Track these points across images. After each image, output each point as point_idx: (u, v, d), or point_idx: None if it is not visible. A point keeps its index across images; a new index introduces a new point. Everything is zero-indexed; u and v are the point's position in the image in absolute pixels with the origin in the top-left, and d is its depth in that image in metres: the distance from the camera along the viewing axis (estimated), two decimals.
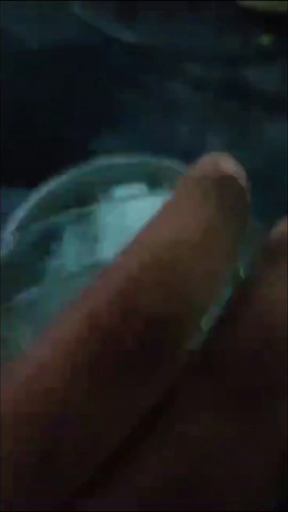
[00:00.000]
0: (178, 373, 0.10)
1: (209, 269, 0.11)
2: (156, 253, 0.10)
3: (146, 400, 0.10)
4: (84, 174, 0.28)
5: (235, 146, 0.39)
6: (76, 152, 0.38)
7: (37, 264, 0.18)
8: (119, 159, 0.28)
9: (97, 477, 0.10)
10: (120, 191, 0.29)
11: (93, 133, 0.40)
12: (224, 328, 0.11)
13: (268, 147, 0.39)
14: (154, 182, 0.30)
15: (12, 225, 0.26)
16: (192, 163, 0.39)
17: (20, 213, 0.27)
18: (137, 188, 0.30)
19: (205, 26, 0.41)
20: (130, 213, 0.19)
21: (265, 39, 0.40)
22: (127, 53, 0.40)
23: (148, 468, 0.10)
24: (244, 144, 0.39)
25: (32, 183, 0.19)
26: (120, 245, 0.13)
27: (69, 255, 0.19)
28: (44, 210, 0.28)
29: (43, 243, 0.17)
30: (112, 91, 0.39)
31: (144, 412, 0.10)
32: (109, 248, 0.18)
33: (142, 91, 0.39)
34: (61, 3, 0.39)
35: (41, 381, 0.09)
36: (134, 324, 0.09)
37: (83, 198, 0.30)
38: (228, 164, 0.13)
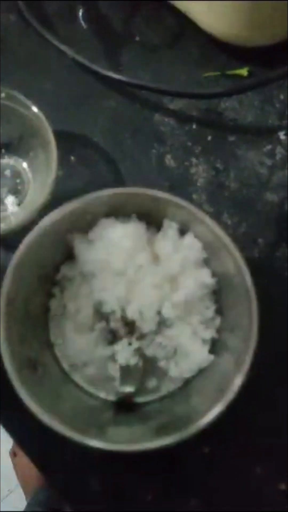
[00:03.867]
0: None
1: None
2: None
3: None
4: (80, 205, 0.32)
5: (215, 172, 0.43)
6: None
7: None
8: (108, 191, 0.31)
9: None
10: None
11: None
12: None
13: (244, 172, 0.43)
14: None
15: None
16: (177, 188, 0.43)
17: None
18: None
19: (185, 60, 0.45)
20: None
21: (242, 71, 0.44)
22: (116, 89, 0.43)
23: None
24: (223, 169, 0.43)
25: None
26: None
27: None
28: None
29: None
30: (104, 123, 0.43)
31: None
32: None
33: (130, 124, 0.43)
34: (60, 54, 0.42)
35: None
36: None
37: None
38: None
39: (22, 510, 0.78)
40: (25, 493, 0.87)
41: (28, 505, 0.78)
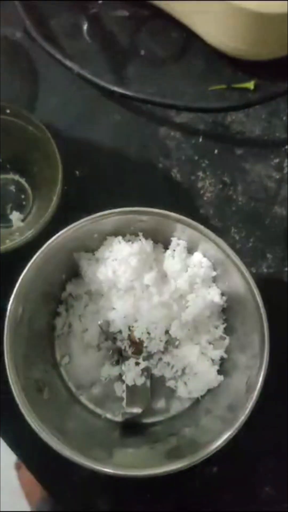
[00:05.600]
0: None
1: None
2: None
3: None
4: (88, 224, 0.31)
5: (222, 186, 0.42)
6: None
7: None
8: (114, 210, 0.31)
9: None
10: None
11: None
12: None
13: (252, 185, 0.42)
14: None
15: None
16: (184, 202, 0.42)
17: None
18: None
19: (190, 74, 0.44)
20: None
21: (249, 85, 0.44)
22: (121, 104, 0.43)
23: None
24: (231, 183, 0.42)
25: None
26: None
27: None
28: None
29: None
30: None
31: None
32: None
33: (136, 139, 0.43)
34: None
35: None
36: None
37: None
38: None
39: None
40: (30, 504, 0.86)
41: None
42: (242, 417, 0.29)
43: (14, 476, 0.91)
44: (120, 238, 0.34)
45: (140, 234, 0.34)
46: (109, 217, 0.31)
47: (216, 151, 0.43)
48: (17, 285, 0.30)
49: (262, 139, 0.43)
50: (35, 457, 0.37)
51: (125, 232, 0.34)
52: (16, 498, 0.90)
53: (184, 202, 0.42)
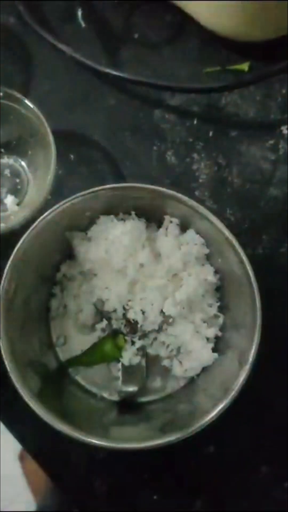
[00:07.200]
0: None
1: None
2: None
3: None
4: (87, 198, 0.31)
5: (218, 168, 0.42)
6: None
7: None
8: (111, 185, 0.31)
9: None
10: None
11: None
12: None
13: (247, 167, 0.42)
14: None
15: None
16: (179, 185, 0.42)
17: None
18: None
19: (185, 57, 0.44)
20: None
21: (243, 66, 0.44)
22: (115, 87, 0.43)
23: None
24: (226, 165, 0.42)
25: None
26: None
27: None
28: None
29: None
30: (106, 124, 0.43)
31: None
32: None
33: (130, 122, 0.43)
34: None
35: None
36: None
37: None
38: None
39: None
40: (35, 496, 0.87)
41: (38, 508, 0.78)
42: (236, 387, 0.29)
43: (18, 466, 0.91)
44: (112, 216, 0.34)
45: (133, 212, 0.34)
46: (100, 194, 0.31)
47: (211, 133, 0.43)
48: (8, 262, 0.30)
49: (257, 120, 0.43)
50: (36, 442, 0.37)
51: (118, 211, 0.34)
52: (19, 488, 0.90)
53: (179, 185, 0.42)
